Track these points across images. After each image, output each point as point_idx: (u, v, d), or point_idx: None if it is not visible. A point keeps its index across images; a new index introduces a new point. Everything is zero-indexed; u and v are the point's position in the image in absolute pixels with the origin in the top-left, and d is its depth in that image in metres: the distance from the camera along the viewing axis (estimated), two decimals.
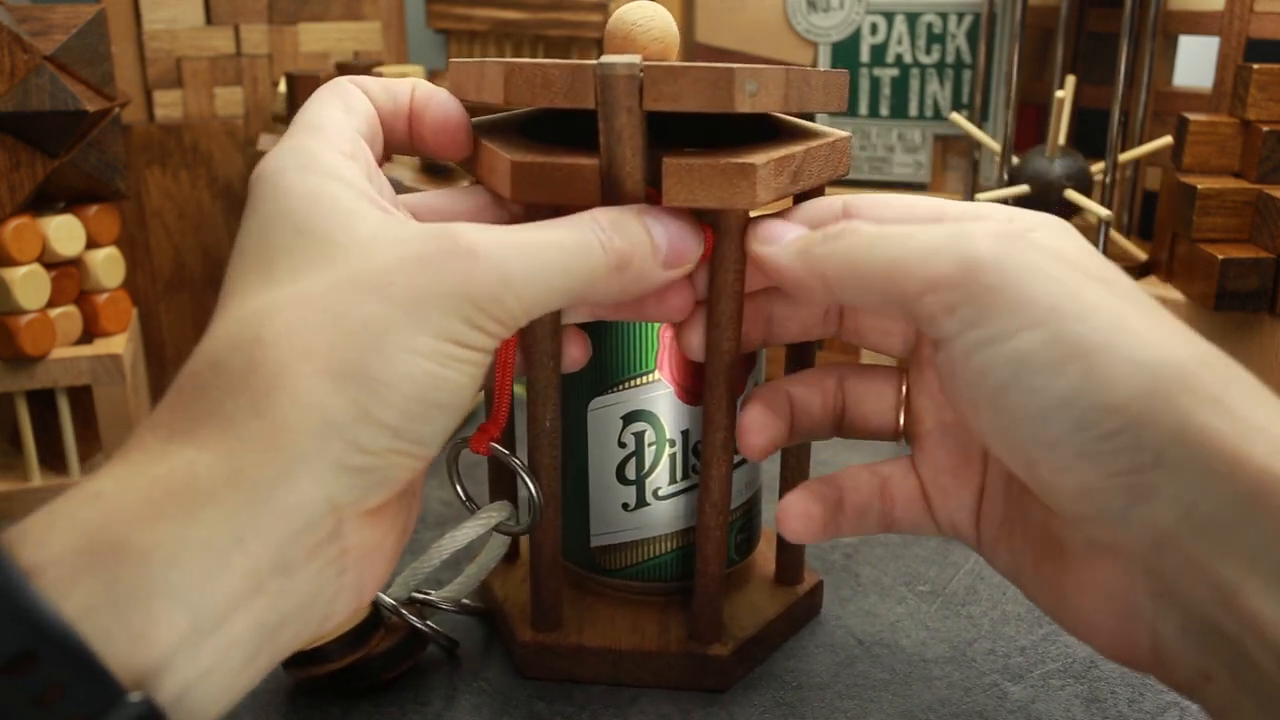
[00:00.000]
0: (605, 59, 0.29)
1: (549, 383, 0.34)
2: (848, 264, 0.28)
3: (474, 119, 0.35)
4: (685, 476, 0.38)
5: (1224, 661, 0.24)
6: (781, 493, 0.41)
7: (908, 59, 0.66)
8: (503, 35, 0.72)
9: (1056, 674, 0.38)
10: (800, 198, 0.33)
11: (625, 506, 0.38)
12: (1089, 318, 0.25)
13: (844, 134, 0.35)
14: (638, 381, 0.37)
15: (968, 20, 0.64)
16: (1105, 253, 0.58)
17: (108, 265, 0.52)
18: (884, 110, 0.67)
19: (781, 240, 0.30)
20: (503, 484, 0.39)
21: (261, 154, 0.52)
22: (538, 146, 0.32)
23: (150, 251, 0.63)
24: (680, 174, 0.30)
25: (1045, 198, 0.57)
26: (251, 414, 0.23)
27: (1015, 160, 0.59)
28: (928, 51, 0.65)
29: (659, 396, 0.37)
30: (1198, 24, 0.59)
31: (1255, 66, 0.49)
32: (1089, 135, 0.66)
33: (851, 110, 0.67)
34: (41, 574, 0.21)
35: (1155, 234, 0.56)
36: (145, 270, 0.63)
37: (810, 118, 0.38)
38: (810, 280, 0.29)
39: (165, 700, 0.21)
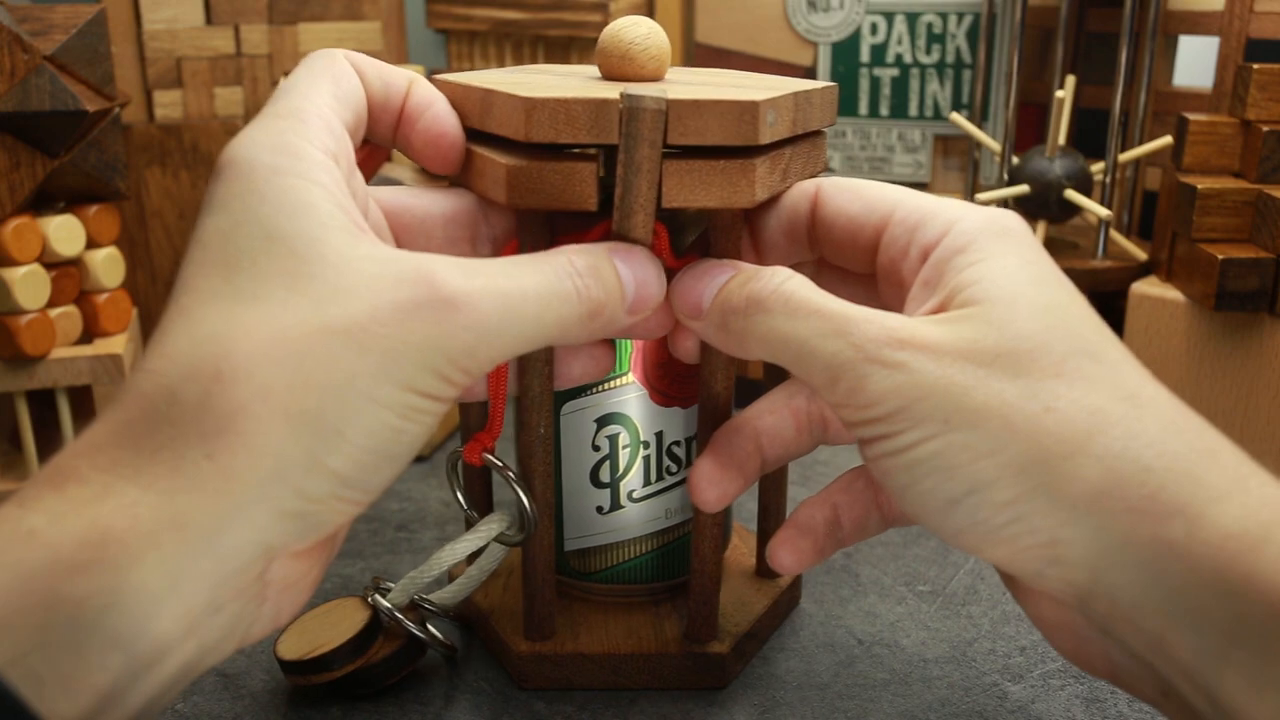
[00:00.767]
0: (630, 92, 0.29)
1: (543, 390, 0.34)
2: (762, 345, 0.29)
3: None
4: (659, 478, 0.38)
5: (1173, 688, 0.25)
6: (761, 502, 0.40)
7: (908, 59, 0.66)
8: (503, 35, 0.72)
9: (1056, 674, 0.38)
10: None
11: (599, 510, 0.38)
12: (979, 425, 0.25)
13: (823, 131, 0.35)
14: (610, 385, 0.37)
15: (968, 20, 0.64)
16: (1105, 253, 0.58)
17: (108, 265, 0.52)
18: (884, 110, 0.67)
19: (701, 313, 0.30)
20: (479, 489, 0.39)
21: None
22: (527, 151, 0.31)
23: (150, 251, 0.63)
24: (681, 174, 0.30)
25: (1045, 198, 0.57)
26: (202, 455, 0.23)
27: (1015, 160, 0.59)
28: (928, 51, 0.65)
29: (632, 399, 0.37)
30: (1198, 24, 0.59)
31: (1255, 66, 0.49)
32: (1089, 135, 0.67)
33: (851, 110, 0.67)
34: None
35: (1155, 234, 0.56)
36: (145, 270, 0.63)
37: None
38: (742, 353, 0.30)
39: None
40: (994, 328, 0.26)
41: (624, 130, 0.29)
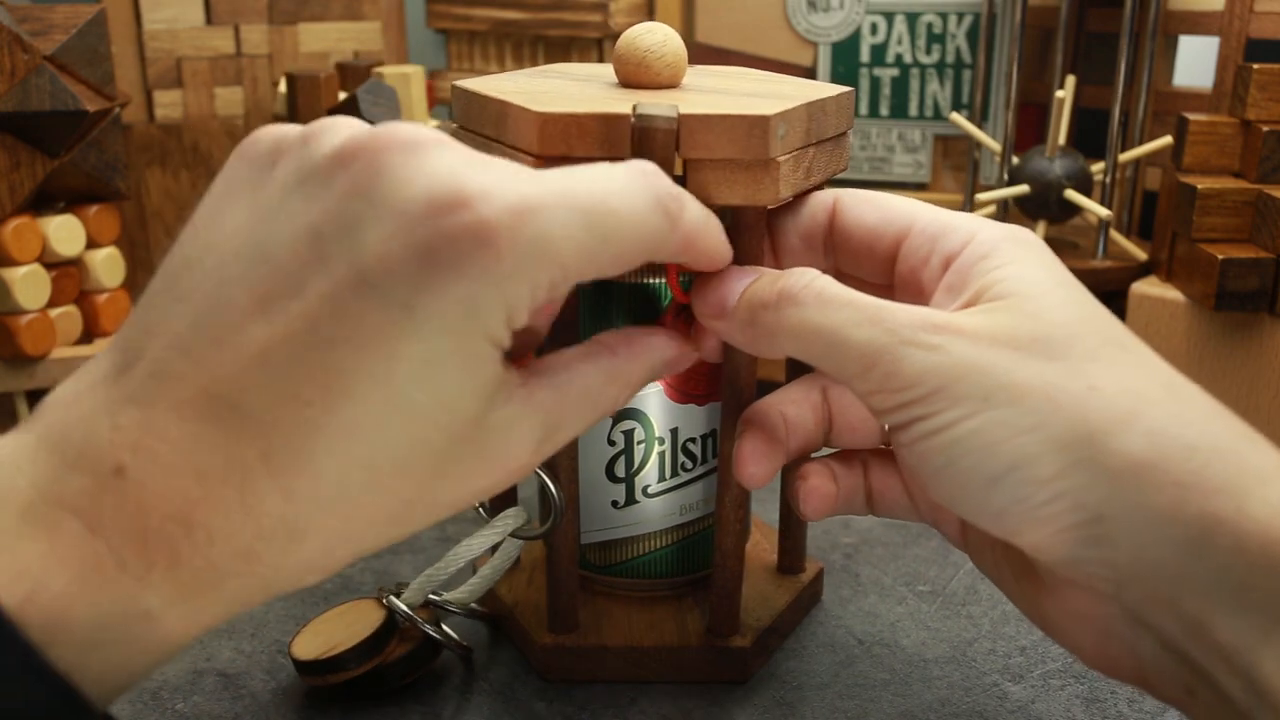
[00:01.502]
0: (643, 109, 0.30)
1: None
2: (792, 338, 0.28)
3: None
4: (675, 474, 0.38)
5: (1204, 681, 0.25)
6: (783, 497, 0.41)
7: (908, 59, 0.66)
8: (503, 35, 0.72)
9: (1056, 674, 0.38)
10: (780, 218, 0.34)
11: (615, 504, 0.38)
12: (1020, 402, 0.25)
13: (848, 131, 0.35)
14: None
15: (968, 20, 0.64)
16: (1105, 253, 0.58)
17: (108, 265, 0.52)
18: (884, 110, 0.67)
19: (726, 312, 0.30)
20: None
21: None
22: (544, 162, 0.31)
23: (150, 251, 0.63)
24: (705, 171, 0.30)
25: (1045, 198, 0.57)
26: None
27: (1015, 160, 0.59)
28: (928, 51, 0.65)
29: (648, 395, 0.37)
30: (1198, 24, 0.59)
31: (1255, 66, 0.49)
32: (1089, 135, 0.67)
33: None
34: None
35: (1155, 234, 0.56)
36: (145, 270, 0.63)
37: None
38: (768, 351, 0.30)
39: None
40: (1028, 317, 0.26)
41: (636, 148, 0.29)
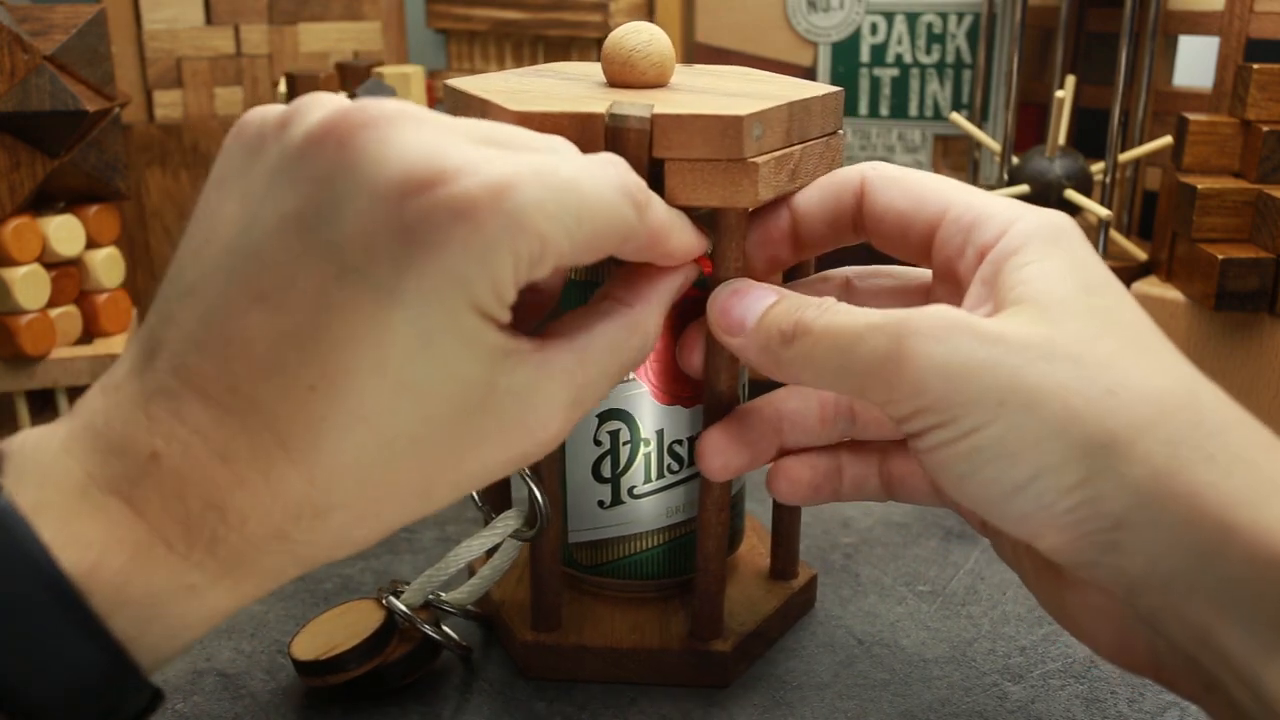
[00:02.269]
0: (615, 109, 0.30)
1: None
2: (808, 369, 0.29)
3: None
4: (661, 476, 0.38)
5: (1216, 685, 0.25)
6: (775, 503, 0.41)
7: (908, 59, 0.66)
8: (503, 35, 0.72)
9: (1056, 674, 0.38)
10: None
11: (601, 504, 0.38)
12: (1037, 406, 0.25)
13: (840, 131, 0.35)
14: None
15: (968, 20, 0.64)
16: (1105, 253, 0.58)
17: (108, 265, 0.52)
18: (884, 110, 0.67)
19: (744, 331, 0.30)
20: (495, 485, 0.39)
21: None
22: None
23: (150, 251, 0.63)
24: (683, 173, 0.30)
25: (1045, 198, 0.57)
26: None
27: (1015, 160, 0.59)
28: (928, 51, 0.65)
29: (635, 396, 0.37)
30: (1198, 24, 0.59)
31: (1255, 66, 0.49)
32: (1089, 135, 0.66)
33: (851, 110, 0.67)
34: None
35: (1155, 234, 0.56)
36: (145, 270, 0.63)
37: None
38: (779, 376, 0.30)
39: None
40: (1045, 316, 0.26)
41: (609, 146, 0.30)
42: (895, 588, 0.43)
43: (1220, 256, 0.47)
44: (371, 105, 0.23)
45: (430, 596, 0.37)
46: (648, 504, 0.38)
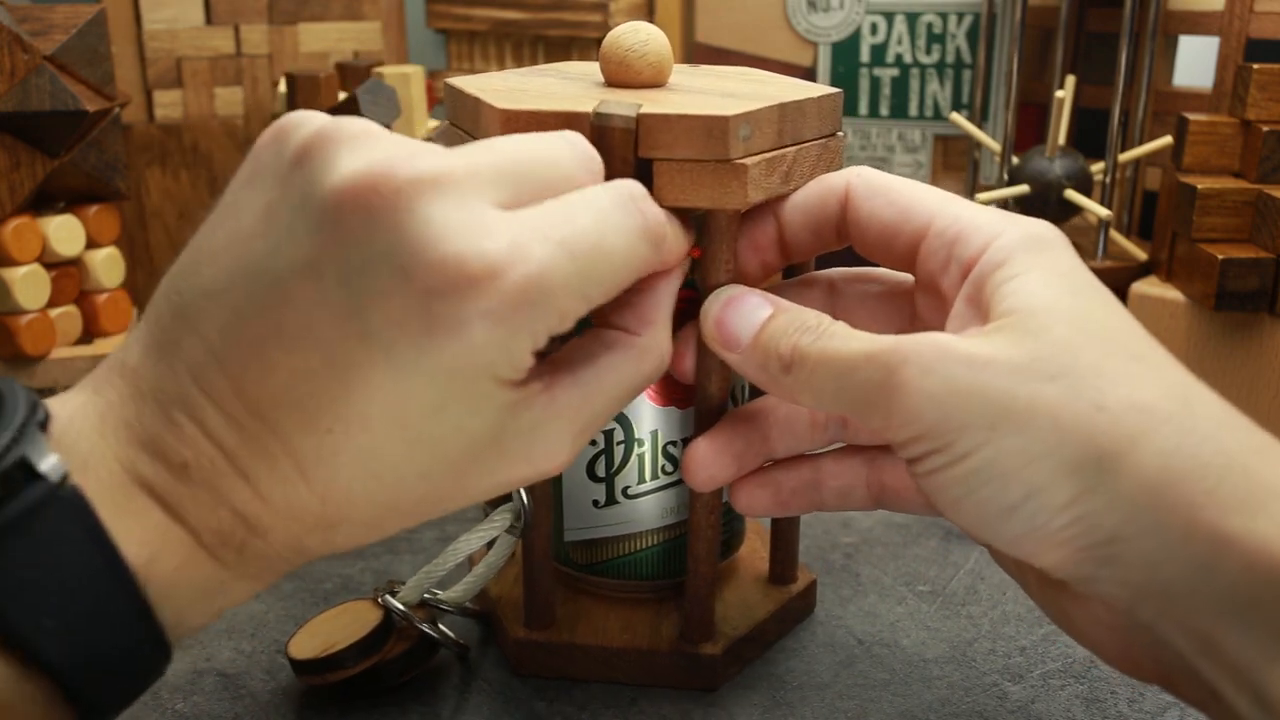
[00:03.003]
0: (602, 108, 0.30)
1: None
2: (805, 394, 0.29)
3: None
4: (655, 477, 0.38)
5: (1213, 696, 0.25)
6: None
7: (908, 59, 0.66)
8: (503, 35, 0.72)
9: (1056, 674, 0.38)
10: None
11: (595, 503, 0.38)
12: (1027, 428, 0.25)
13: (838, 133, 0.35)
14: None
15: (968, 20, 0.64)
16: (1105, 253, 0.58)
17: (108, 265, 0.52)
18: (884, 110, 0.67)
19: (739, 348, 0.30)
20: None
21: None
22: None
23: (150, 251, 0.63)
24: (671, 174, 0.30)
25: (1045, 197, 0.57)
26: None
27: (1015, 160, 0.59)
28: (928, 51, 0.65)
29: None
30: (1198, 24, 0.59)
31: (1255, 66, 0.49)
32: (1089, 135, 0.67)
33: (851, 110, 0.67)
34: None
35: (1155, 234, 0.56)
36: (145, 270, 0.63)
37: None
38: (777, 396, 0.30)
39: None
40: (1029, 335, 0.26)
41: (595, 145, 0.30)
42: (895, 588, 0.43)
43: (1220, 256, 0.47)
44: (404, 165, 0.23)
45: (426, 595, 0.37)
46: (643, 504, 0.38)
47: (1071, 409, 0.25)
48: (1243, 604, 0.23)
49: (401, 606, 0.36)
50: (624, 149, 0.30)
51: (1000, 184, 0.60)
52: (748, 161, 0.30)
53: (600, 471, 0.37)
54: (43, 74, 0.46)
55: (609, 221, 0.26)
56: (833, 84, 0.41)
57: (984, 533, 0.27)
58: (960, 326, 0.29)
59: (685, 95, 0.33)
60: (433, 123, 0.63)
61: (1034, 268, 0.27)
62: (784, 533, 0.40)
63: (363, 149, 0.24)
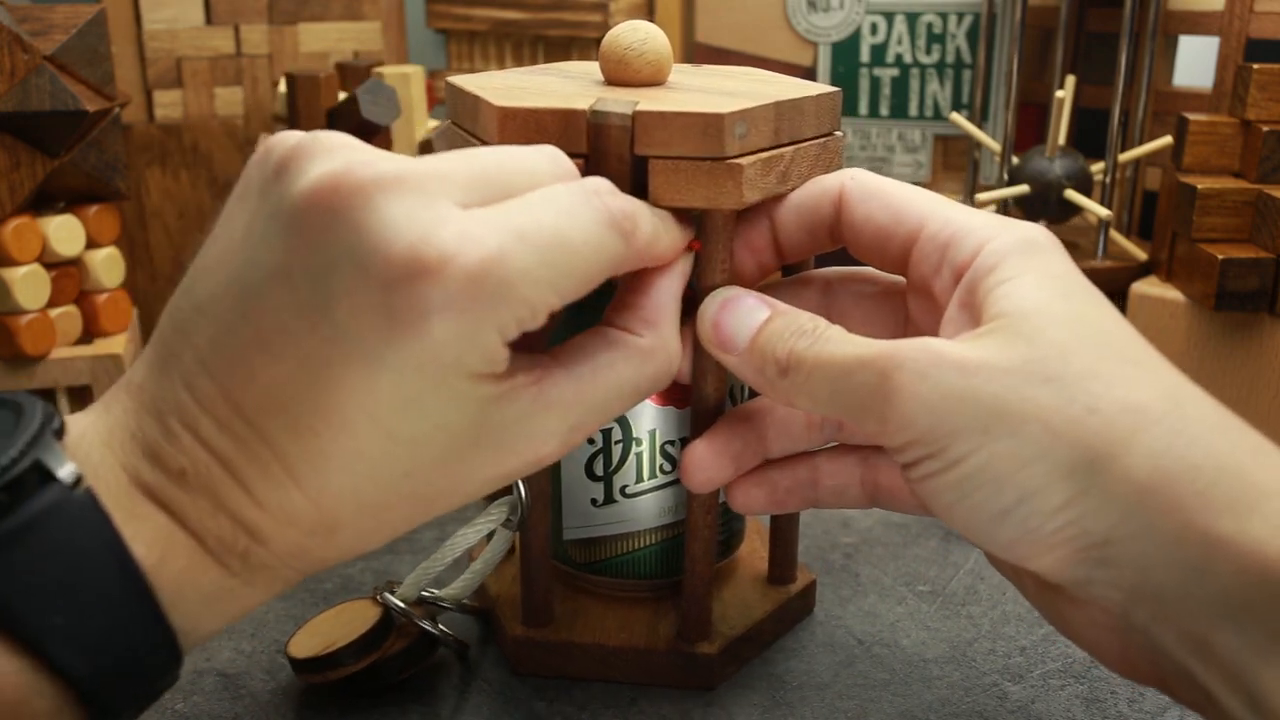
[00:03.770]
0: (598, 105, 0.30)
1: None
2: (802, 398, 0.29)
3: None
4: (653, 476, 0.38)
5: (1207, 698, 0.25)
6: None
7: (908, 59, 0.66)
8: (503, 35, 0.72)
9: (1056, 674, 0.38)
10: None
11: (594, 502, 0.38)
12: (1020, 432, 0.25)
13: (837, 133, 0.35)
14: None
15: (968, 20, 0.64)
16: (1105, 253, 0.58)
17: (108, 265, 0.52)
18: (884, 110, 0.67)
19: (736, 350, 0.30)
20: None
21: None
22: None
23: (150, 251, 0.63)
24: (667, 173, 0.30)
25: (1045, 197, 0.57)
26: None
27: (1015, 160, 0.59)
28: (928, 51, 0.65)
29: None
30: (1198, 24, 0.59)
31: (1255, 66, 0.49)
32: (1089, 135, 0.67)
33: (851, 110, 0.67)
34: None
35: (1155, 234, 0.56)
36: (145, 270, 0.63)
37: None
38: (775, 399, 0.30)
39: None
40: (1021, 338, 0.26)
41: (591, 145, 0.30)
42: (895, 588, 0.43)
43: (1220, 256, 0.47)
44: (364, 168, 0.24)
45: (425, 592, 0.37)
46: (641, 503, 0.38)
47: (1064, 412, 0.25)
48: (1235, 606, 0.23)
49: (400, 604, 0.36)
50: (620, 147, 0.30)
51: (1000, 184, 0.60)
52: (743, 161, 0.30)
53: (598, 470, 0.37)
54: (43, 74, 0.46)
55: (568, 213, 0.26)
56: (833, 84, 0.41)
57: (978, 536, 0.27)
58: (954, 330, 0.29)
59: (683, 93, 0.33)
60: (433, 123, 0.63)
61: (1027, 271, 0.28)
62: (783, 533, 0.40)
63: (334, 158, 0.24)
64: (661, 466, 0.38)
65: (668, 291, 0.30)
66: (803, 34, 0.67)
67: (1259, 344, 0.49)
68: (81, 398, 0.52)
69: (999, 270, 0.28)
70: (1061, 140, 0.57)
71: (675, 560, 0.39)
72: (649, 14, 0.70)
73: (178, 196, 0.63)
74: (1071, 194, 0.56)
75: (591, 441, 0.37)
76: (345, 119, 0.55)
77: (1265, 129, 0.48)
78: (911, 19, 0.65)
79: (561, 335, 0.30)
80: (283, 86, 0.59)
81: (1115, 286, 0.55)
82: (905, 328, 0.33)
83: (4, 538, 0.22)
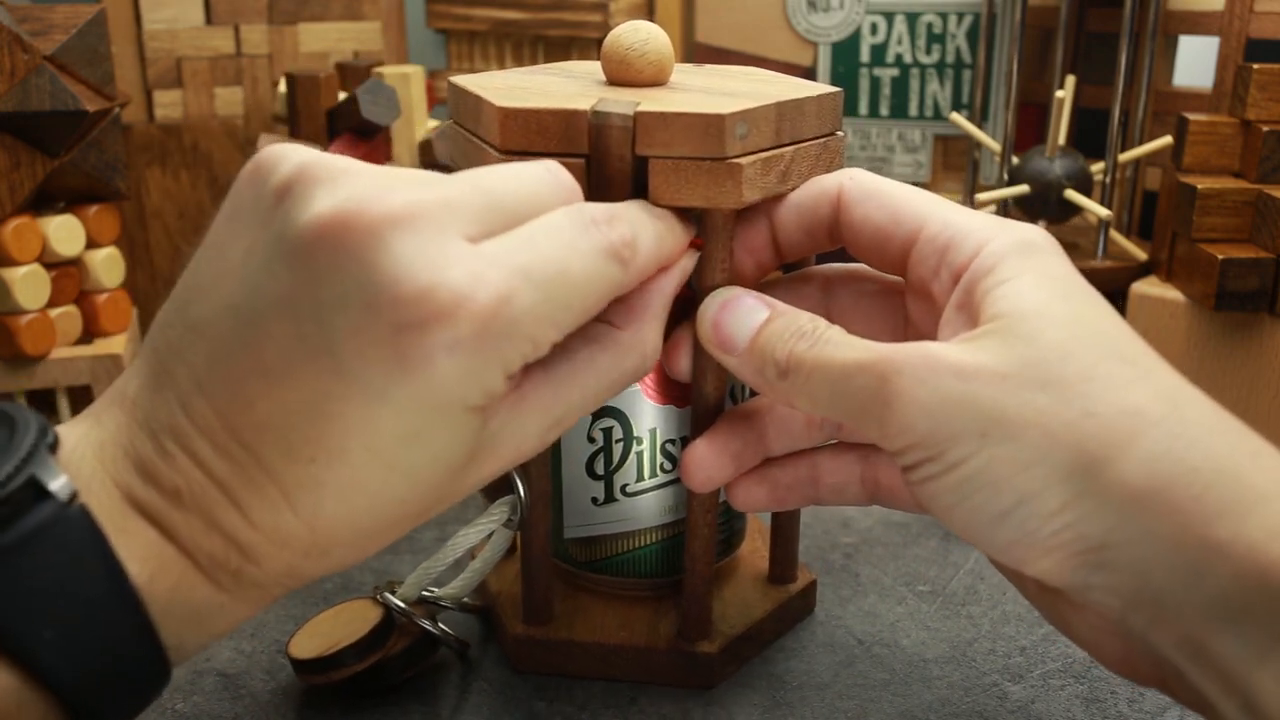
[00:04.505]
0: (600, 106, 0.30)
1: None
2: (802, 399, 0.29)
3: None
4: (654, 475, 0.38)
5: (1202, 701, 0.25)
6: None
7: (908, 59, 0.66)
8: (503, 35, 0.72)
9: (1056, 674, 0.38)
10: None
11: (595, 501, 0.38)
12: (1018, 436, 0.25)
13: (838, 133, 0.35)
14: None
15: (968, 20, 0.64)
16: (1105, 253, 0.58)
17: (108, 265, 0.52)
18: (884, 110, 0.67)
19: (736, 351, 0.30)
20: (499, 478, 0.40)
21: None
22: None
23: (150, 251, 0.63)
24: (666, 172, 0.30)
25: (1045, 197, 0.57)
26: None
27: (1015, 160, 0.59)
28: (928, 51, 0.65)
29: (629, 394, 0.37)
30: (1198, 24, 0.59)
31: (1255, 66, 0.49)
32: (1089, 135, 0.67)
33: (851, 110, 0.67)
34: None
35: (1155, 234, 0.56)
36: (145, 270, 0.63)
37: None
38: (775, 400, 0.31)
39: None
40: (1019, 341, 0.26)
41: (593, 146, 0.30)
42: (895, 588, 0.43)
43: (1220, 256, 0.47)
44: (374, 203, 0.23)
45: (425, 592, 0.37)
46: (642, 502, 0.38)
47: (1061, 416, 0.25)
48: (1232, 609, 0.23)
49: (401, 604, 0.36)
50: (621, 147, 0.30)
51: (1000, 184, 0.60)
52: (743, 160, 0.30)
53: (599, 469, 0.37)
54: (43, 74, 0.46)
55: (570, 245, 0.26)
56: (833, 84, 0.41)
57: (977, 539, 0.27)
58: (952, 332, 0.29)
59: (685, 94, 0.33)
60: (433, 123, 0.63)
61: (1025, 272, 0.28)
62: (784, 532, 0.40)
63: (340, 187, 0.24)
64: (662, 465, 0.38)
65: (657, 289, 0.30)
66: (803, 34, 0.67)
67: (1259, 344, 0.49)
68: (81, 398, 0.52)
69: (997, 271, 0.28)
70: (1061, 140, 0.57)
71: (676, 559, 0.39)
72: (649, 14, 0.70)
73: (178, 196, 0.63)
74: (1071, 194, 0.56)
75: (592, 440, 0.37)
76: (345, 119, 0.55)
77: (1265, 129, 0.48)
78: (911, 19, 0.65)
79: None
80: (283, 86, 0.59)
81: (1115, 286, 0.56)
82: (905, 327, 0.33)
83: None
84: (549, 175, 0.27)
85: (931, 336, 0.30)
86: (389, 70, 0.60)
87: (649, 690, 0.37)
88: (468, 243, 0.24)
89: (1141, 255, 0.57)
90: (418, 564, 0.44)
